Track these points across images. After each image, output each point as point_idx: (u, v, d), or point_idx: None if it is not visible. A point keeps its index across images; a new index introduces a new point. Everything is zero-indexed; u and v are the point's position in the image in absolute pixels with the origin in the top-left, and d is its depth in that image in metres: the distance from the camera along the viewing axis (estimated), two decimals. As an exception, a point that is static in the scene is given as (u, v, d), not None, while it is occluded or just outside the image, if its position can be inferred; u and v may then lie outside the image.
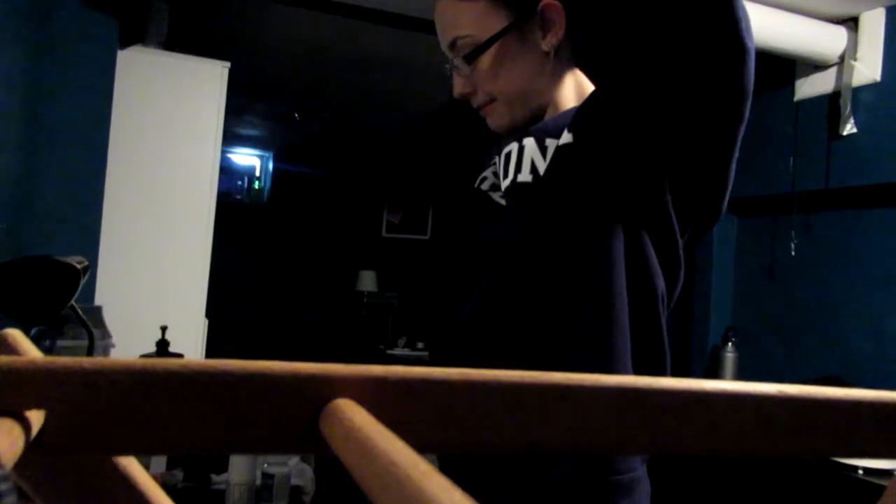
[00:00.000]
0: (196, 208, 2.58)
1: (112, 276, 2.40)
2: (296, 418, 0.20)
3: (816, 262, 2.70)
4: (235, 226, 5.62)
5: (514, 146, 0.85)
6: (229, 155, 5.94)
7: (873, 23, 2.51)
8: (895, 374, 2.36)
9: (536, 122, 0.87)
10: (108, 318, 1.97)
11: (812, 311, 2.72)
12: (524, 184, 0.81)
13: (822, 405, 0.24)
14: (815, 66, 2.67)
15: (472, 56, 0.83)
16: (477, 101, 0.88)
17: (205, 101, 2.61)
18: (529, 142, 0.83)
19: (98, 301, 2.27)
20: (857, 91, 2.52)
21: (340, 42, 3.31)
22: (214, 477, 1.50)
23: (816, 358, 2.68)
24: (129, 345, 1.87)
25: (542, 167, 0.80)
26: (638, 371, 0.75)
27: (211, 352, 2.71)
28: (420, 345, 5.37)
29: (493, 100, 0.86)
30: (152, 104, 2.55)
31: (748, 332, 2.99)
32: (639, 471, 0.77)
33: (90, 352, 1.50)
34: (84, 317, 1.39)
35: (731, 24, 0.65)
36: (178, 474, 1.48)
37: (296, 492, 1.48)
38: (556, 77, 0.87)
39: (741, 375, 2.92)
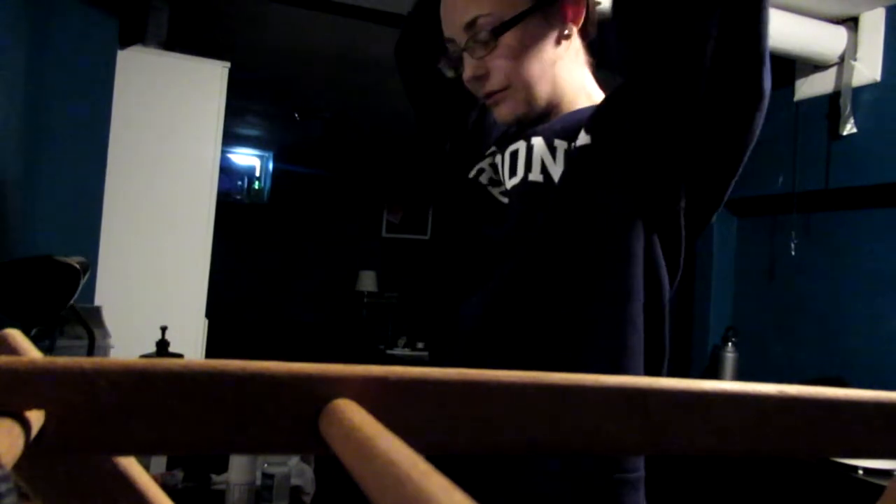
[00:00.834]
0: (196, 208, 2.58)
1: (112, 276, 2.40)
2: (296, 418, 0.20)
3: (816, 262, 2.70)
4: (235, 226, 5.62)
5: (521, 145, 0.84)
6: (229, 155, 5.94)
7: (873, 23, 2.51)
8: (895, 374, 2.36)
9: (542, 120, 0.86)
10: (108, 318, 1.97)
11: (812, 311, 2.72)
12: (535, 183, 0.80)
13: (822, 405, 0.24)
14: (815, 66, 2.67)
15: (498, 32, 0.80)
16: (490, 86, 0.84)
17: (205, 101, 2.61)
18: (538, 141, 0.83)
19: (98, 301, 2.27)
20: (857, 91, 2.52)
21: (340, 42, 3.31)
22: (214, 477, 1.50)
23: (816, 358, 2.68)
24: (129, 345, 1.87)
25: (552, 168, 0.80)
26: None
27: (211, 352, 2.71)
28: (420, 345, 5.37)
29: (506, 88, 0.84)
30: (152, 104, 2.55)
31: (748, 332, 2.99)
32: (643, 470, 0.77)
33: (90, 352, 1.50)
34: (84, 317, 1.39)
35: (757, 65, 0.68)
36: (178, 474, 1.48)
37: (296, 492, 1.48)
38: (568, 74, 0.87)
39: (741, 375, 2.92)
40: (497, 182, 0.89)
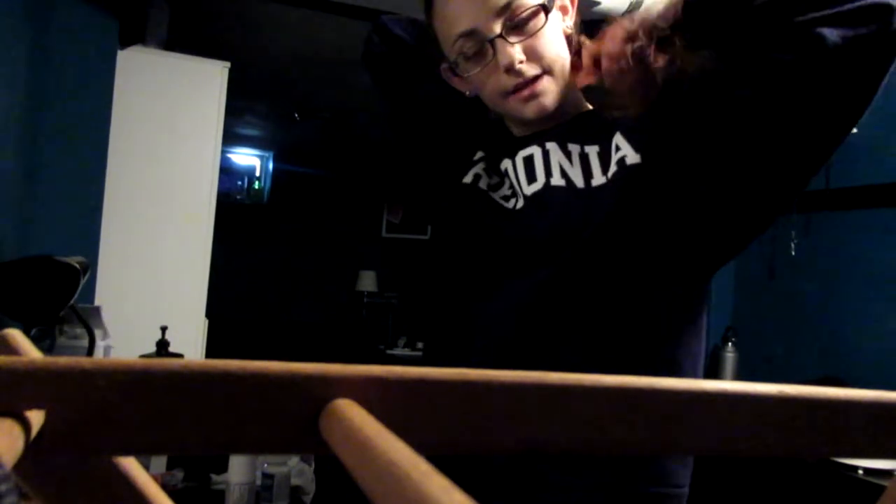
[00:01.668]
0: (196, 208, 2.58)
1: (112, 276, 2.40)
2: (296, 418, 0.20)
3: (816, 262, 2.70)
4: (235, 226, 5.62)
5: (535, 150, 0.83)
6: (229, 155, 5.94)
7: (873, 23, 2.50)
8: (895, 374, 2.36)
9: (551, 120, 0.85)
10: (108, 318, 1.97)
11: (812, 311, 2.72)
12: (559, 188, 0.80)
13: (821, 405, 0.24)
14: (815, 66, 2.67)
15: (548, 8, 0.78)
16: (531, 70, 0.80)
17: (205, 101, 2.61)
18: (553, 146, 0.82)
19: (98, 301, 2.27)
20: (857, 91, 2.51)
21: (340, 42, 3.31)
22: (214, 477, 1.50)
23: (816, 358, 2.68)
24: (129, 345, 1.87)
25: (570, 171, 0.80)
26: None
27: (211, 352, 2.71)
28: (420, 345, 5.37)
29: (539, 76, 0.81)
30: (152, 104, 2.55)
31: (748, 333, 2.99)
32: (687, 487, 0.81)
33: (90, 352, 1.50)
34: (84, 317, 1.39)
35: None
36: (178, 474, 1.48)
37: (296, 492, 1.48)
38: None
39: (741, 375, 2.92)
40: (496, 187, 0.88)
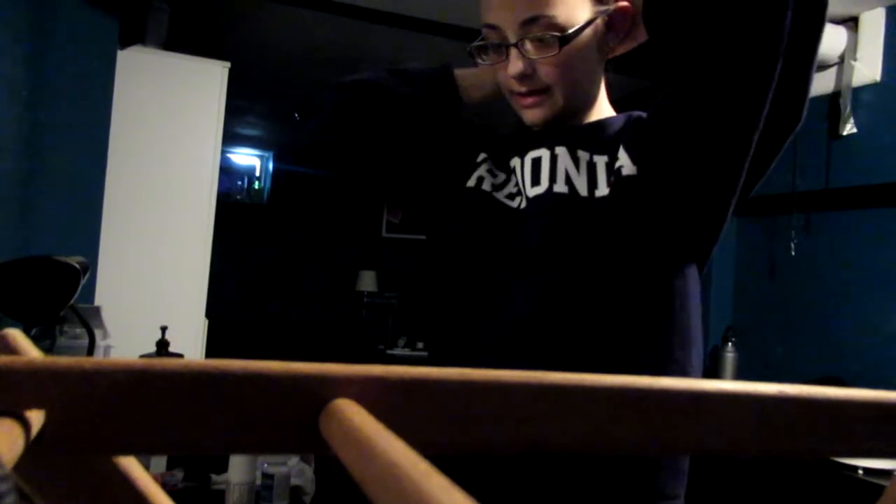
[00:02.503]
0: (196, 208, 2.58)
1: (112, 276, 2.40)
2: (296, 418, 0.20)
3: (816, 262, 2.70)
4: (235, 226, 5.62)
5: (544, 153, 0.83)
6: (229, 155, 5.94)
7: (873, 23, 2.51)
8: (895, 374, 2.36)
9: (564, 122, 0.85)
10: (108, 318, 1.97)
11: (812, 310, 2.72)
12: (561, 195, 0.81)
13: (821, 405, 0.24)
14: (814, 66, 2.67)
15: (566, 41, 0.78)
16: (533, 85, 0.81)
17: (205, 101, 2.61)
18: (562, 151, 0.82)
19: (98, 301, 2.27)
20: (857, 91, 2.52)
21: (340, 42, 3.31)
22: (214, 477, 1.50)
23: (816, 358, 2.68)
24: (129, 345, 1.87)
25: (576, 179, 0.81)
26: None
27: (211, 352, 2.71)
28: (420, 345, 5.37)
29: (547, 89, 0.82)
30: (152, 104, 2.55)
31: (748, 332, 2.99)
32: (682, 499, 0.82)
33: (90, 352, 1.50)
34: (84, 317, 1.39)
35: (807, 90, 0.76)
36: (178, 474, 1.48)
37: (296, 492, 1.49)
38: (599, 82, 0.87)
39: (741, 375, 2.92)
40: (501, 185, 0.88)
